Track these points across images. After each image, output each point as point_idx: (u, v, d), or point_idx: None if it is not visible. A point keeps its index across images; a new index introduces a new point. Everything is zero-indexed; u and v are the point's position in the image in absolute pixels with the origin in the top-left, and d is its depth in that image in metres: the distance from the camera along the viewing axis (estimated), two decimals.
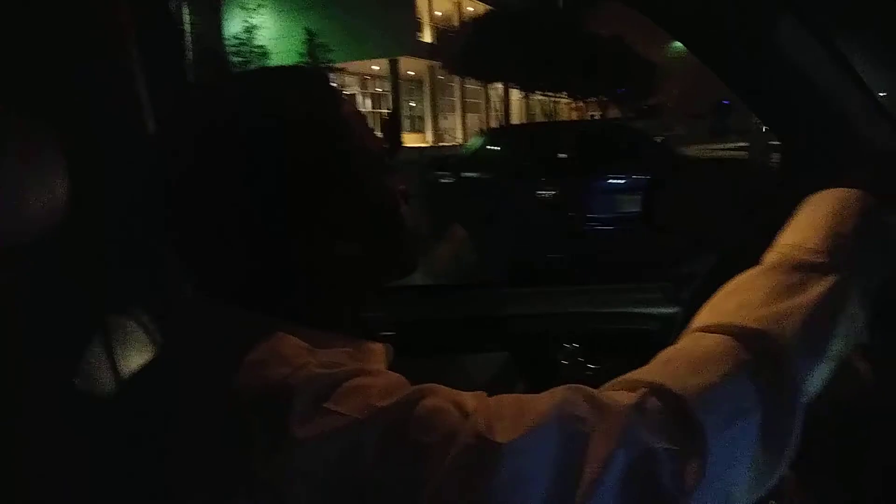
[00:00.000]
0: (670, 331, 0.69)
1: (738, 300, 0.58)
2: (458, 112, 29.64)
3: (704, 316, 0.59)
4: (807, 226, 0.61)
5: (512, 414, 0.50)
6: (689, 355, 0.55)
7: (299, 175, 0.58)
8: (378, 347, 0.65)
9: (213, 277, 0.61)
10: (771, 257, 0.61)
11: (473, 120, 29.51)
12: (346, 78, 22.59)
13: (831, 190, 0.63)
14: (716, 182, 1.28)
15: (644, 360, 0.57)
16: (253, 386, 0.50)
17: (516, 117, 28.02)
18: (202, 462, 0.51)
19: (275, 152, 0.58)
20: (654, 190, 1.22)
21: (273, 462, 0.47)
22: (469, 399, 0.52)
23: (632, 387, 0.53)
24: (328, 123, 0.62)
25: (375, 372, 0.54)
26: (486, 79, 23.90)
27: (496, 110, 28.82)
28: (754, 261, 0.62)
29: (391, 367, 0.58)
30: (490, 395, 0.53)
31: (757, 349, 0.53)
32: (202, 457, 0.51)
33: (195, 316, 0.62)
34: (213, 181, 0.58)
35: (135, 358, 0.68)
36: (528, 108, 27.85)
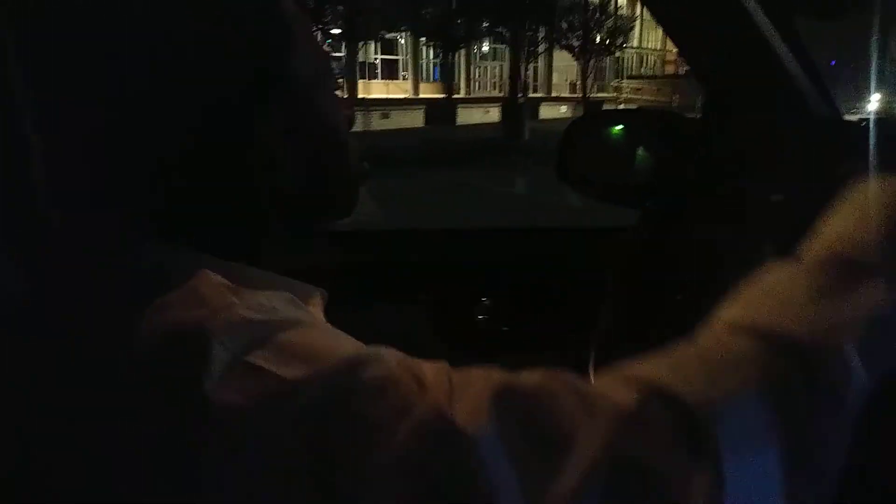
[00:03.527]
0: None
1: (778, 299, 0.45)
2: None
3: (735, 311, 0.46)
4: (856, 217, 0.48)
5: (475, 394, 0.40)
6: (709, 358, 0.43)
7: (230, 92, 0.50)
8: (316, 292, 0.56)
9: (127, 209, 0.49)
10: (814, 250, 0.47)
11: None
12: None
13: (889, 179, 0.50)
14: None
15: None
16: (161, 332, 0.40)
17: None
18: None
19: (206, 64, 0.49)
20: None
21: (188, 431, 0.37)
22: (429, 370, 0.41)
23: (630, 384, 0.41)
24: (265, 28, 0.52)
25: (316, 324, 0.45)
26: None
27: None
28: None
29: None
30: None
31: (801, 360, 0.41)
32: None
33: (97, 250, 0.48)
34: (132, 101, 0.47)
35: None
36: None
